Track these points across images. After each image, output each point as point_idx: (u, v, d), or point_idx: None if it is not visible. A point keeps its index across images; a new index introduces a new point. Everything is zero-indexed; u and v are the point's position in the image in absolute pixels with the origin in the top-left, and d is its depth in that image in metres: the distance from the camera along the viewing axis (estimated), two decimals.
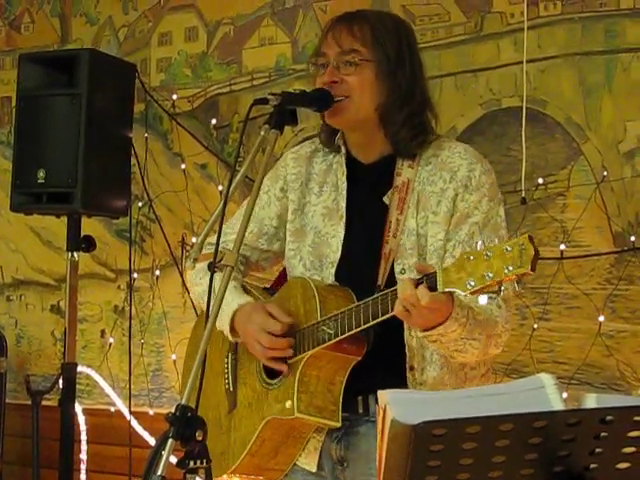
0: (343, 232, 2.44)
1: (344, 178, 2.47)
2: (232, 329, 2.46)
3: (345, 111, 2.38)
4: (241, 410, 2.50)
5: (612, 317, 3.59)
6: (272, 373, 2.44)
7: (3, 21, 5.08)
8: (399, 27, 2.49)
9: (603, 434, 1.56)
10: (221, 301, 2.09)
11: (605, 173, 3.62)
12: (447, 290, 2.04)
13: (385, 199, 2.40)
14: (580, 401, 1.61)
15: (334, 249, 2.44)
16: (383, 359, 2.34)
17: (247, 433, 2.45)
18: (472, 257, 1.98)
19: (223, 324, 2.46)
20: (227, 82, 4.47)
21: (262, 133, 2.30)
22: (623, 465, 1.61)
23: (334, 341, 2.29)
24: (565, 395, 1.63)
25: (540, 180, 3.72)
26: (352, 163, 2.48)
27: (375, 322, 2.22)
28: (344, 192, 2.46)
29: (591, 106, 3.68)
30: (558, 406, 1.59)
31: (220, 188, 4.37)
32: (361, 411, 2.39)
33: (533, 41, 3.76)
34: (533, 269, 1.90)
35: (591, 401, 1.60)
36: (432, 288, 2.06)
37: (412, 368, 2.35)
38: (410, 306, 2.09)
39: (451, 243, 2.35)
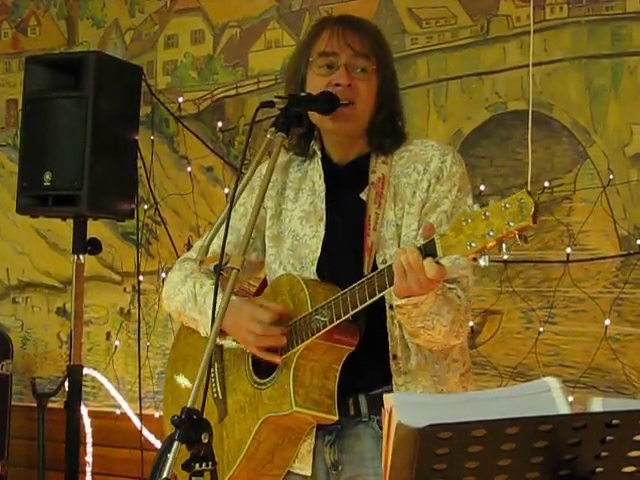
0: (324, 232, 2.44)
1: (321, 181, 2.48)
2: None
3: (350, 117, 2.39)
4: (233, 416, 2.47)
5: (618, 321, 3.58)
6: (262, 374, 2.42)
7: (10, 24, 5.09)
8: (386, 40, 2.51)
9: (609, 438, 1.56)
10: (227, 302, 2.09)
11: (611, 176, 3.62)
12: (447, 255, 2.03)
13: (362, 195, 2.42)
14: (586, 405, 1.61)
15: (313, 249, 2.44)
16: (366, 350, 2.34)
17: (242, 437, 2.42)
18: (470, 219, 1.97)
19: (208, 325, 2.41)
20: (233, 85, 4.48)
21: (268, 136, 2.30)
22: (629, 469, 1.61)
23: (329, 328, 2.28)
24: (571, 399, 1.63)
25: (546, 183, 3.71)
26: (327, 165, 2.50)
27: (372, 301, 2.21)
28: (322, 194, 2.47)
29: (597, 109, 3.68)
30: (564, 410, 1.59)
31: (226, 191, 4.37)
32: (353, 413, 2.38)
33: (539, 44, 3.76)
34: (535, 221, 1.88)
35: (597, 405, 1.60)
36: (430, 254, 2.06)
37: (395, 357, 2.35)
38: (409, 268, 2.08)
39: (419, 231, 2.34)
